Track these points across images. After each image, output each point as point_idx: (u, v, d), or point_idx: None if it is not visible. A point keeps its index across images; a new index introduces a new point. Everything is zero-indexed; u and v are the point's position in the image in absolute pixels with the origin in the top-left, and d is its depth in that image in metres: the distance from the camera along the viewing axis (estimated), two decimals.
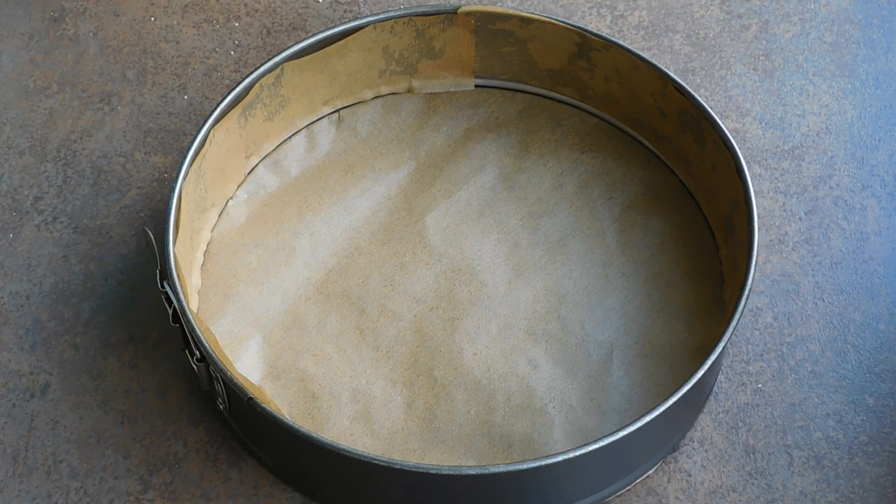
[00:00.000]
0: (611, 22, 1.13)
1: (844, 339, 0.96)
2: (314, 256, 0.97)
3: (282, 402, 0.90)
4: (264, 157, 1.02)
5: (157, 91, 1.08)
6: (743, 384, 0.94)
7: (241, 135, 0.98)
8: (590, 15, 1.14)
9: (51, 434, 0.91)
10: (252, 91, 0.98)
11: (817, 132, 1.07)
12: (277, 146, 1.02)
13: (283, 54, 0.99)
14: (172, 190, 0.91)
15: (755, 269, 0.88)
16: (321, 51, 1.01)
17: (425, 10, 1.02)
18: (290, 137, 1.03)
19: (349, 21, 1.02)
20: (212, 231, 0.98)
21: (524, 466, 0.81)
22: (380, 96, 1.05)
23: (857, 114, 1.08)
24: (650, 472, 0.89)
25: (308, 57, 1.00)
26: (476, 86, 1.06)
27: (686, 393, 0.83)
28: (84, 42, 1.11)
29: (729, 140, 0.94)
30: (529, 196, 0.98)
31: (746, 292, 0.87)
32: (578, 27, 1.00)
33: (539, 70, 1.04)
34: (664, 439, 0.88)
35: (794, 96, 1.09)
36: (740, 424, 0.92)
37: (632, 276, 0.96)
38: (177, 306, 0.86)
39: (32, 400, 0.92)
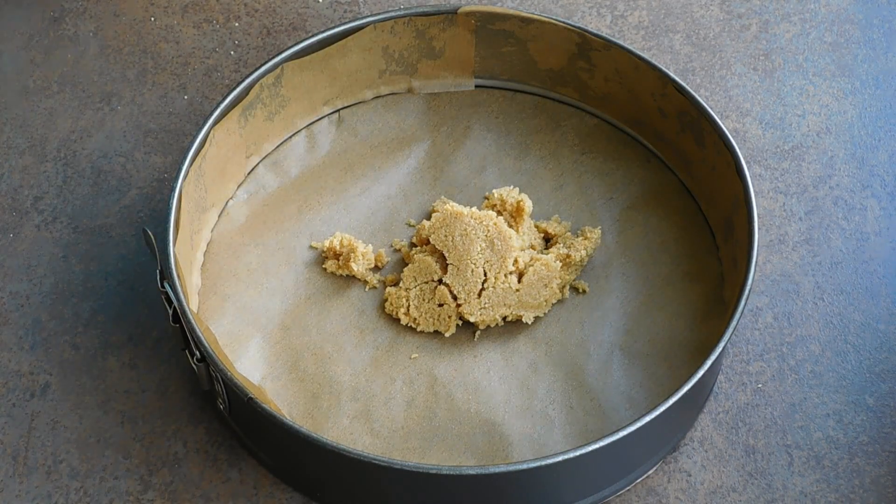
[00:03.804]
0: (611, 22, 1.13)
1: (844, 339, 0.96)
2: (314, 256, 0.97)
3: (282, 402, 0.90)
4: (264, 157, 1.02)
5: (157, 91, 1.08)
6: (743, 384, 0.94)
7: (241, 135, 0.98)
8: (590, 15, 1.14)
9: (51, 434, 0.91)
10: (252, 91, 0.98)
11: (817, 132, 1.07)
12: (277, 146, 1.02)
13: (283, 54, 0.99)
14: (172, 190, 0.91)
15: (755, 269, 0.88)
16: (321, 51, 1.01)
17: (425, 10, 1.02)
18: (291, 137, 1.03)
19: (349, 21, 1.02)
20: (212, 231, 0.98)
21: (524, 466, 0.81)
22: (380, 96, 1.05)
23: (857, 114, 1.08)
24: (650, 472, 0.89)
25: (308, 57, 1.00)
26: (476, 86, 1.06)
27: (686, 393, 0.83)
28: (84, 42, 1.11)
29: (729, 140, 0.94)
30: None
31: (746, 292, 0.87)
32: (578, 27, 1.00)
33: (539, 70, 1.04)
34: (664, 439, 0.89)
35: (794, 96, 1.09)
36: (740, 424, 0.92)
37: (632, 276, 0.96)
38: (177, 306, 0.86)
39: (32, 400, 0.92)
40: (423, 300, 0.93)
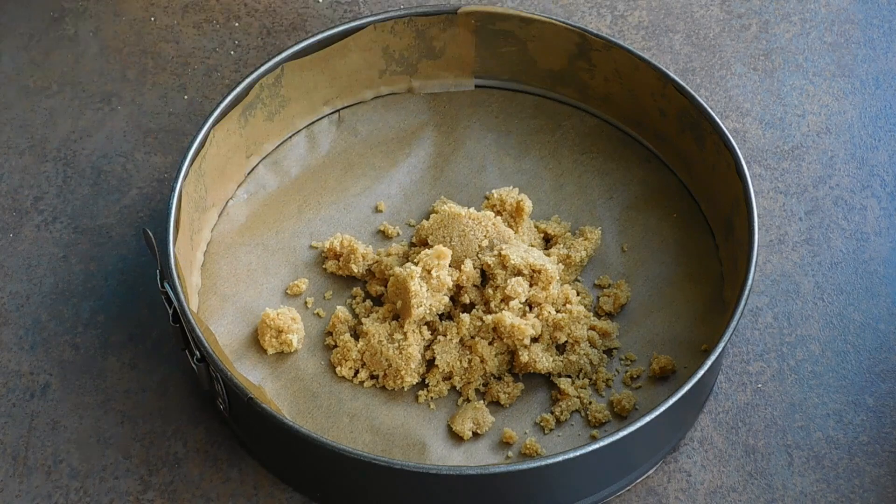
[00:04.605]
0: (611, 22, 1.13)
1: (844, 339, 0.96)
2: (314, 256, 0.97)
3: (282, 402, 0.90)
4: (264, 157, 1.02)
5: (157, 91, 1.08)
6: (743, 384, 0.94)
7: (241, 135, 0.98)
8: (590, 15, 1.14)
9: (51, 434, 0.91)
10: (252, 91, 0.98)
11: (817, 132, 1.07)
12: (278, 146, 1.02)
13: (283, 54, 0.99)
14: (172, 190, 0.91)
15: (755, 269, 0.88)
16: (321, 51, 1.01)
17: (425, 10, 1.02)
18: (291, 137, 1.03)
19: (349, 21, 1.02)
20: (212, 231, 0.98)
21: (524, 466, 0.81)
22: (380, 96, 1.05)
23: (857, 114, 1.08)
24: (650, 472, 0.89)
25: (308, 57, 1.00)
26: (476, 86, 1.06)
27: (686, 393, 0.83)
28: (84, 42, 1.11)
29: (729, 140, 0.94)
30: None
31: (746, 292, 0.87)
32: (578, 27, 1.00)
33: (539, 70, 1.04)
34: (664, 439, 0.89)
35: (794, 96, 1.09)
36: (740, 424, 0.92)
37: (631, 276, 0.96)
38: (177, 306, 0.86)
39: (32, 400, 0.92)
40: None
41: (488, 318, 0.90)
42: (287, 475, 0.89)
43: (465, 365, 0.90)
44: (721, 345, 0.85)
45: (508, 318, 0.89)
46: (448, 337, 0.90)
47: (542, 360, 0.90)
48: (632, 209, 1.00)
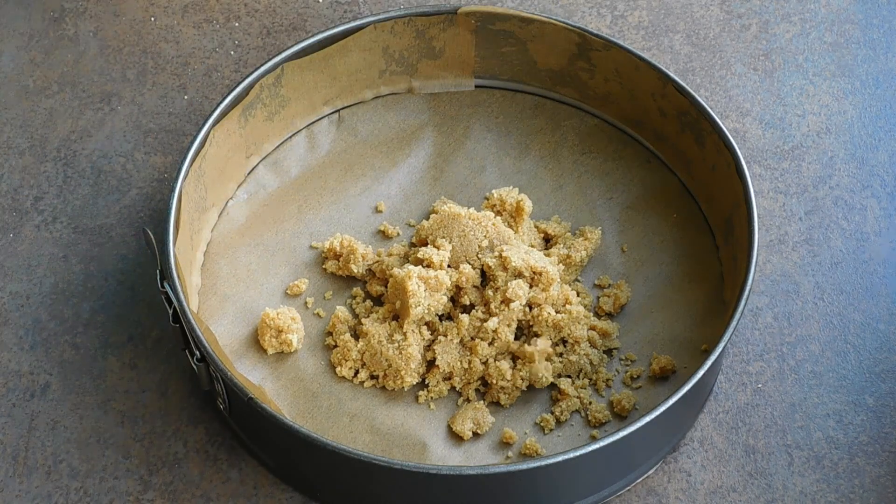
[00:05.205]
0: (611, 22, 1.13)
1: (844, 339, 0.96)
2: (314, 256, 0.97)
3: (282, 402, 0.90)
4: (264, 157, 1.02)
5: (157, 91, 1.08)
6: (743, 384, 0.94)
7: (241, 135, 0.98)
8: (590, 15, 1.14)
9: (51, 434, 0.91)
10: (252, 91, 0.98)
11: (817, 132, 1.07)
12: (277, 146, 1.02)
13: (284, 54, 0.99)
14: (172, 190, 0.91)
15: (755, 269, 0.88)
16: (321, 51, 1.01)
17: (425, 10, 1.02)
18: (291, 137, 1.03)
19: (349, 21, 1.02)
20: (212, 231, 0.98)
21: (524, 466, 0.81)
22: (380, 96, 1.05)
23: (857, 114, 1.08)
24: (650, 472, 0.89)
25: (308, 57, 1.00)
26: (476, 86, 1.06)
27: (686, 393, 0.83)
28: (84, 42, 1.11)
29: (729, 140, 0.94)
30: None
31: (746, 292, 0.87)
32: (578, 27, 1.00)
33: (539, 70, 1.04)
34: (664, 439, 0.89)
35: (794, 96, 1.09)
36: (740, 424, 0.92)
37: (631, 276, 0.96)
38: (177, 306, 0.86)
39: (32, 400, 0.92)
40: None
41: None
42: (287, 475, 0.89)
43: (466, 366, 0.90)
44: (721, 345, 0.85)
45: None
46: (448, 337, 0.91)
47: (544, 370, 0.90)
48: (632, 209, 1.00)
